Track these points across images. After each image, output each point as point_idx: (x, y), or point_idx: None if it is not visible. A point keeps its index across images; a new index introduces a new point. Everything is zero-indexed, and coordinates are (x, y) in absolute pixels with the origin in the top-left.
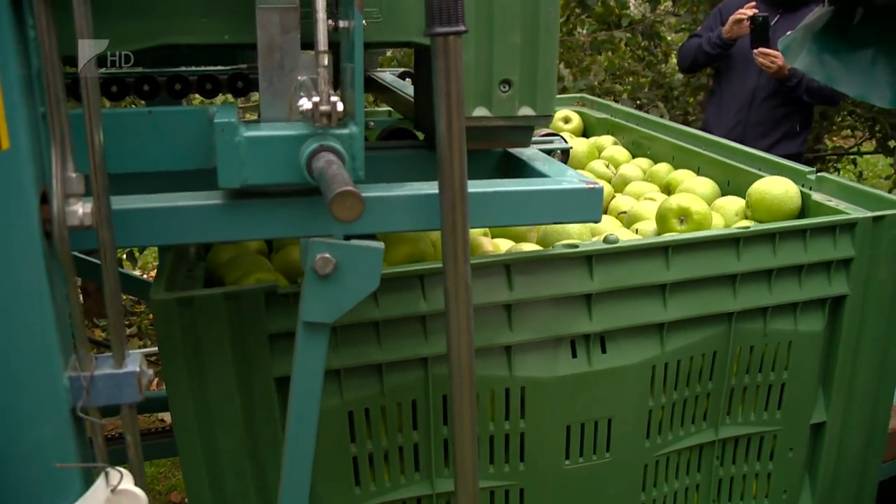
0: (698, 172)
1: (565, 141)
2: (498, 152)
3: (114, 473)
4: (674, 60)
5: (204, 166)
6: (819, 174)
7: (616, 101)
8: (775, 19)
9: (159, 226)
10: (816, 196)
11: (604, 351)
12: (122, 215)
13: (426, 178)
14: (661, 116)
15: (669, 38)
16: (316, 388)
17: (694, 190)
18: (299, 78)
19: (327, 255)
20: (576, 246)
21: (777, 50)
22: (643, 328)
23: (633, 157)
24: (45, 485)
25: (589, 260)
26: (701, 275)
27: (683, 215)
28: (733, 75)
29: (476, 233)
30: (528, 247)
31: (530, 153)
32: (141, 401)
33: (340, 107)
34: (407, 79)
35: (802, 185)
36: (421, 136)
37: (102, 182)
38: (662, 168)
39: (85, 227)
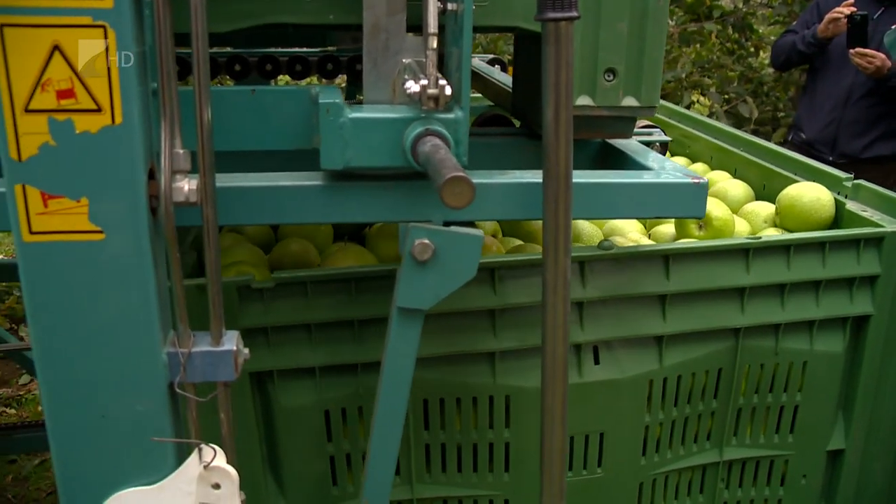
0: (734, 174)
1: (664, 133)
2: (597, 142)
3: (207, 450)
4: (764, 54)
5: (304, 146)
6: (856, 181)
7: (703, 94)
8: (879, 12)
9: (260, 205)
10: (851, 205)
11: (597, 362)
12: (224, 193)
13: (523, 167)
14: (750, 112)
15: (762, 31)
16: (407, 375)
17: (725, 193)
18: (404, 60)
19: (426, 241)
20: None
21: (879, 46)
22: (640, 340)
23: (672, 155)
24: (141, 458)
25: (581, 266)
26: (704, 287)
27: (703, 221)
28: (828, 72)
29: (486, 229)
30: (539, 248)
31: (630, 144)
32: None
33: (448, 91)
34: (496, 65)
35: (838, 193)
36: (517, 123)
37: (209, 159)
38: (698, 168)
39: (190, 203)
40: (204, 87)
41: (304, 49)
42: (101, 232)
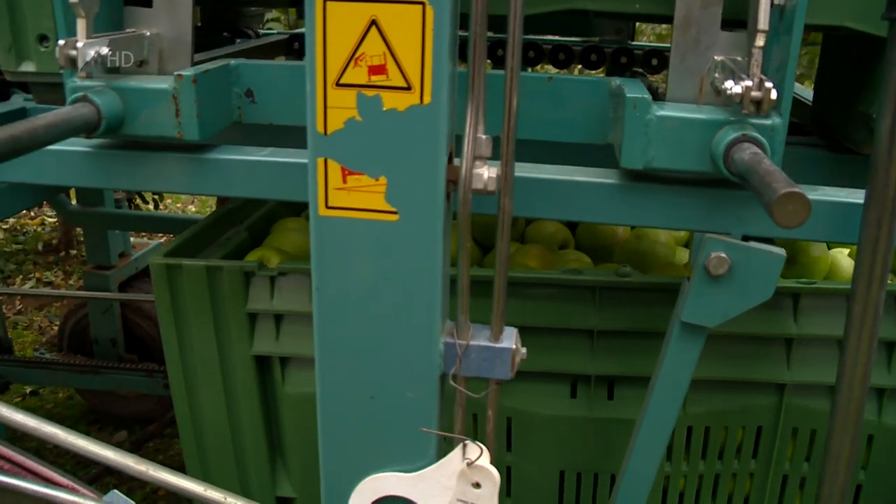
0: None
1: None
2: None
3: (473, 447)
4: None
5: (595, 141)
6: None
7: None
8: None
9: (553, 198)
10: None
11: (610, 397)
12: (517, 183)
13: (819, 182)
14: None
15: None
16: (680, 392)
17: None
18: (715, 57)
19: (723, 255)
20: (579, 272)
21: None
22: None
23: None
24: (403, 445)
25: (594, 291)
26: (740, 331)
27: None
28: None
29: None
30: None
31: None
32: (511, 378)
33: (774, 94)
34: None
35: None
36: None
37: (512, 147)
38: None
39: (487, 191)
40: (515, 73)
41: (564, 38)
42: (395, 213)
